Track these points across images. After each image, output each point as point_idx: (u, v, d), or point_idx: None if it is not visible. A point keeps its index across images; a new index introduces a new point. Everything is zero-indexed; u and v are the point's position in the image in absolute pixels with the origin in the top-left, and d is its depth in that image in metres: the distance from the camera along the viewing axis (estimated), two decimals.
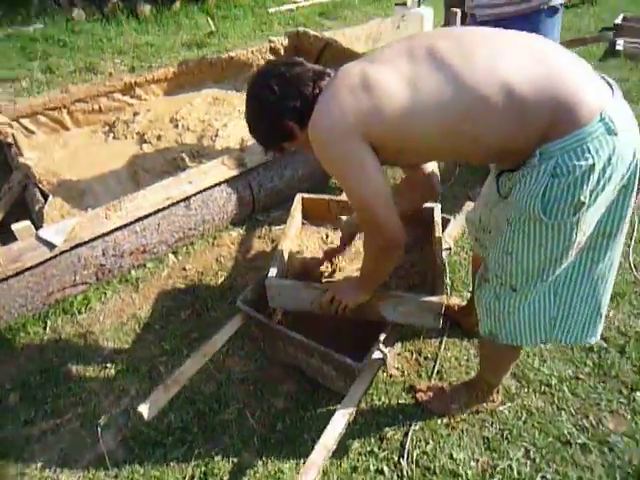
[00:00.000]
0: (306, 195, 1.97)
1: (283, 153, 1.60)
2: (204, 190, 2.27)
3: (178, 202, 2.23)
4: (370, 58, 1.21)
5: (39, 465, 1.57)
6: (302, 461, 1.54)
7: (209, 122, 3.09)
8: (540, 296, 1.25)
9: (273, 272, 1.56)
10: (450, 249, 1.94)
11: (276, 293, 1.57)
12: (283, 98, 1.25)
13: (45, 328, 2.01)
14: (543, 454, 1.52)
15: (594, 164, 1.02)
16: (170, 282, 2.23)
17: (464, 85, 1.07)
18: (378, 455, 1.54)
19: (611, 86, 1.11)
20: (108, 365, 1.86)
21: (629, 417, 1.60)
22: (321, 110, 1.18)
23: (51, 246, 1.93)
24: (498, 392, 1.64)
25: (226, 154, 2.41)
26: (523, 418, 1.61)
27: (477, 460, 1.52)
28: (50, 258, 1.95)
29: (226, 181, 2.33)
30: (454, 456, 1.52)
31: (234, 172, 2.34)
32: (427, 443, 1.57)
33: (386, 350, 1.51)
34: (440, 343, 1.85)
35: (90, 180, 2.73)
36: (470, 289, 2.06)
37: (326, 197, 1.98)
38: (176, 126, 3.16)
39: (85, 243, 2.03)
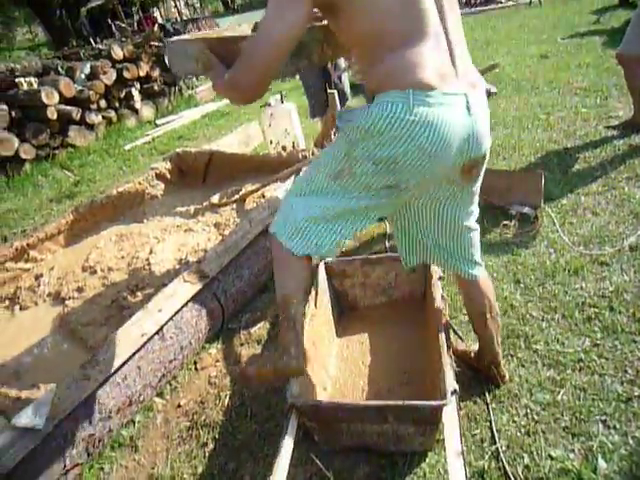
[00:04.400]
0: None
1: None
2: (175, 314, 2.11)
3: (153, 336, 2.03)
4: None
5: None
6: None
7: (132, 255, 2.92)
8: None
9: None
10: (441, 277, 2.05)
11: (172, 55, 1.57)
12: None
13: None
14: (618, 418, 1.60)
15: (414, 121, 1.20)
16: (171, 426, 1.96)
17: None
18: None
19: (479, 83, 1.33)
20: None
21: None
22: None
23: (34, 432, 1.60)
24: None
25: (169, 276, 2.29)
26: (581, 397, 1.70)
27: (573, 450, 1.54)
28: (35, 448, 1.61)
29: (193, 298, 2.20)
30: (553, 455, 1.53)
31: (198, 286, 2.22)
32: (522, 457, 1.55)
33: (456, 386, 1.50)
34: (487, 405, 1.77)
35: (17, 358, 2.34)
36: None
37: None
38: (94, 272, 2.91)
39: (69, 415, 1.72)
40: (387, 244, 2.77)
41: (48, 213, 4.29)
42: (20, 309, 2.80)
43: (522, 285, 2.24)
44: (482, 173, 1.48)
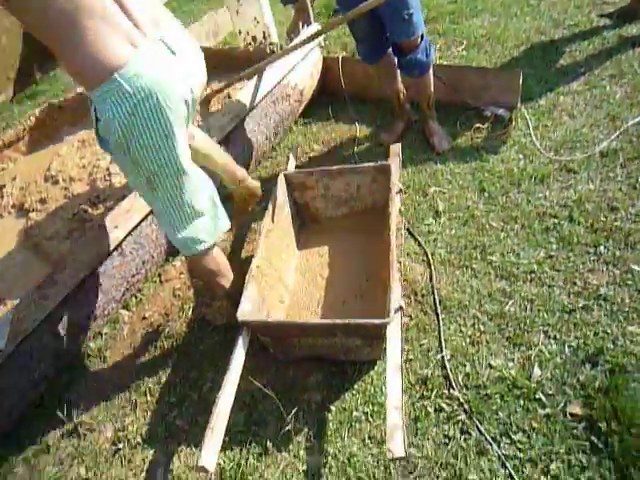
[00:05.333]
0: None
1: None
2: (134, 229, 2.09)
3: (111, 253, 2.02)
4: None
5: None
6: (366, 437, 1.54)
7: (93, 164, 2.82)
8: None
9: None
10: (401, 190, 2.00)
11: None
12: None
13: (22, 445, 1.73)
14: (559, 328, 1.66)
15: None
16: (137, 337, 2.04)
17: None
18: (430, 396, 1.58)
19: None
20: (120, 446, 1.67)
21: (605, 268, 1.80)
22: None
23: None
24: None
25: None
26: (528, 308, 1.75)
27: (512, 359, 1.62)
28: (1, 366, 1.68)
29: (151, 212, 2.16)
30: (493, 364, 1.61)
31: None
32: (464, 365, 1.64)
33: (401, 303, 1.53)
34: (430, 278, 1.92)
35: None
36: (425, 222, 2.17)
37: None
38: (56, 182, 2.83)
39: (31, 334, 1.77)
40: (355, 149, 2.67)
41: (9, 115, 4.07)
42: None
43: (486, 194, 2.21)
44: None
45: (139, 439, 1.68)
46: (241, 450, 1.57)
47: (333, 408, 1.62)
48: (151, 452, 1.64)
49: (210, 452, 1.30)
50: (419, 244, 2.08)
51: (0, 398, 1.72)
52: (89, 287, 1.97)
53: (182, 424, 1.70)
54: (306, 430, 1.58)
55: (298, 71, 2.86)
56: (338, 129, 2.90)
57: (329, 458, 1.50)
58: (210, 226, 1.57)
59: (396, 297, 1.55)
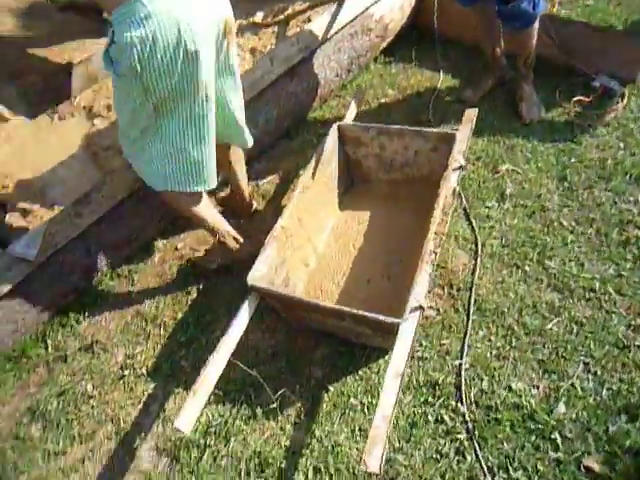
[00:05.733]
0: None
1: None
2: None
3: None
4: None
5: None
6: (357, 428, 1.46)
7: None
8: (144, 146, 1.50)
9: None
10: (462, 167, 1.75)
11: None
12: None
13: (47, 348, 1.84)
14: (603, 364, 1.44)
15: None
16: (166, 267, 2.04)
17: None
18: (434, 404, 1.46)
19: None
20: (126, 373, 1.73)
21: None
22: None
23: (26, 262, 1.72)
24: (229, 234, 1.81)
25: None
26: (574, 331, 1.52)
27: (537, 387, 1.44)
28: (29, 275, 1.75)
29: None
30: (513, 387, 1.44)
31: None
32: (481, 380, 1.48)
33: (423, 302, 1.37)
34: (473, 272, 1.72)
35: (47, 174, 2.44)
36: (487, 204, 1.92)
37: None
38: None
39: (62, 249, 1.82)
40: (430, 111, 2.36)
41: None
42: (59, 119, 2.85)
43: (566, 184, 1.89)
44: None
45: (144, 370, 1.72)
46: (231, 409, 1.56)
47: (332, 389, 1.55)
48: (152, 386, 1.68)
49: (188, 415, 1.28)
50: (472, 229, 1.85)
51: (32, 301, 1.82)
52: (126, 209, 1.97)
53: (186, 365, 1.71)
54: (299, 405, 1.54)
55: (384, 3, 2.52)
56: (419, 75, 2.59)
57: (314, 440, 1.46)
58: (193, 173, 1.55)
59: (419, 294, 1.39)
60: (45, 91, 1.72)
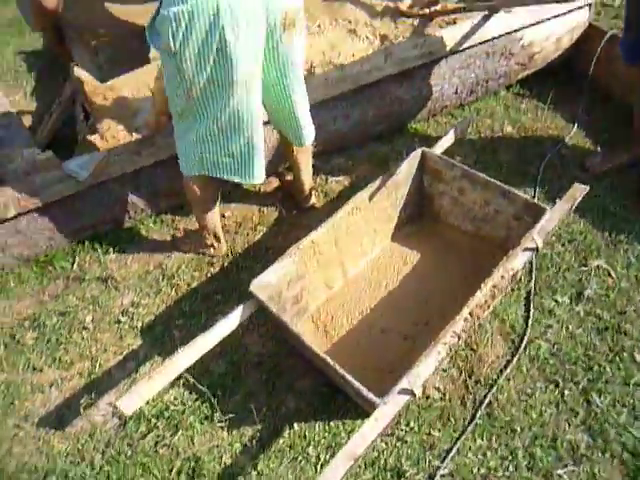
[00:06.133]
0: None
1: None
2: None
3: None
4: None
5: (36, 420, 1.50)
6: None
7: None
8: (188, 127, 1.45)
9: None
10: (537, 249, 1.48)
11: None
12: None
13: (73, 264, 1.90)
14: None
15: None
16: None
17: None
18: None
19: None
20: (123, 319, 1.73)
21: None
22: None
23: (76, 180, 1.76)
24: (216, 238, 1.82)
25: None
26: None
27: None
28: (75, 193, 1.79)
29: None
30: None
31: None
32: None
33: (417, 388, 1.18)
34: (502, 369, 1.47)
35: (143, 100, 2.48)
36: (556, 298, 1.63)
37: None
38: None
39: (115, 179, 1.84)
40: (542, 167, 2.04)
41: None
42: None
43: None
44: None
45: (139, 325, 1.71)
46: (195, 402, 1.49)
47: (296, 428, 1.42)
48: (138, 343, 1.66)
49: (134, 398, 1.23)
50: (526, 319, 1.59)
51: (73, 218, 1.88)
52: None
53: (177, 336, 1.67)
54: (258, 428, 1.43)
55: (541, 29, 2.17)
56: (550, 120, 2.25)
57: (254, 472, 1.35)
58: (238, 165, 1.52)
59: (416, 377, 1.20)
60: (117, 56, 1.70)
